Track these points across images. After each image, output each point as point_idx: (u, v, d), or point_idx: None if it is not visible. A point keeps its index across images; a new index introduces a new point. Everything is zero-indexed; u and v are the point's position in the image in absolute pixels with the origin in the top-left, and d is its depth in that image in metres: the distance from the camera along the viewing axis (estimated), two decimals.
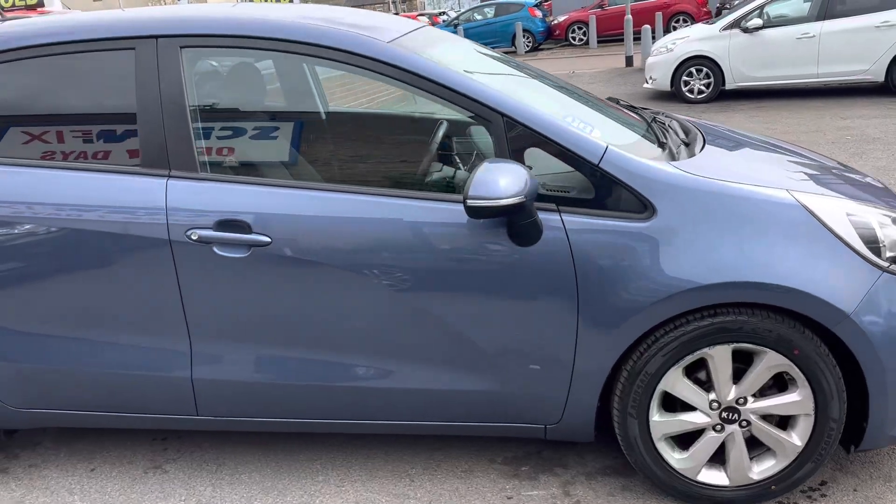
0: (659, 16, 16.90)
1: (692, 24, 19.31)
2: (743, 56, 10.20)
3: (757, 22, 10.06)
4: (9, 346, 2.40)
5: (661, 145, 2.40)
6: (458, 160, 2.53)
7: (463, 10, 23.74)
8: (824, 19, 9.91)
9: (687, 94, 10.25)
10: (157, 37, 2.31)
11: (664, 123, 2.79)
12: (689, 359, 2.16)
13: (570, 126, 2.19)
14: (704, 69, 10.22)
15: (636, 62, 14.27)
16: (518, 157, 2.16)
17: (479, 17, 22.18)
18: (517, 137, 2.17)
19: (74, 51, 2.35)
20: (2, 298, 2.36)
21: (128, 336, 2.35)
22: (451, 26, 22.02)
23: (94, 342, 2.37)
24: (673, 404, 2.26)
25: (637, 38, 15.17)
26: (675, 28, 18.99)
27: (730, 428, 2.22)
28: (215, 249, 2.22)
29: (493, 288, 2.17)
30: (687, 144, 2.49)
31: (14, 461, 2.77)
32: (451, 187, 2.38)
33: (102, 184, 2.29)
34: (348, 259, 2.19)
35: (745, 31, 10.15)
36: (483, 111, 2.19)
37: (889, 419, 2.16)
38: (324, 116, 3.01)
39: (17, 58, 2.38)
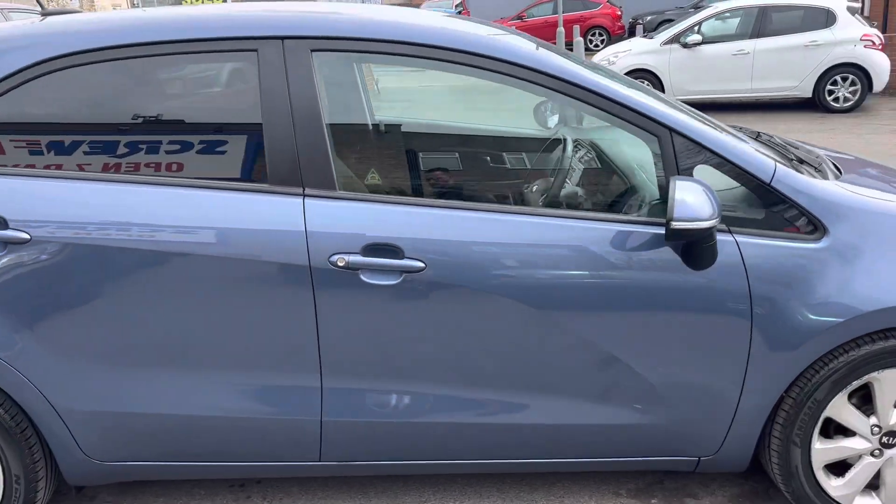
0: (576, 28, 17.30)
1: (608, 37, 19.94)
2: (682, 70, 10.58)
3: (696, 38, 10.44)
4: (99, 389, 2.06)
5: (811, 166, 2.33)
6: (582, 176, 2.40)
7: None
8: (758, 37, 10.40)
9: None
10: (283, 38, 2.04)
11: (774, 141, 2.75)
12: (855, 384, 2.11)
13: (739, 142, 2.10)
14: (646, 82, 10.49)
15: None
16: (687, 173, 2.05)
17: None
18: (686, 153, 2.05)
19: (177, 51, 2.05)
20: (92, 335, 2.02)
21: (245, 375, 2.07)
22: None
23: (203, 382, 2.07)
24: (828, 430, 2.21)
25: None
26: (591, 41, 19.54)
27: (889, 452, 2.18)
28: (362, 276, 1.98)
29: (663, 314, 2.04)
30: (838, 169, 2.43)
31: None
32: (598, 205, 2.23)
33: (219, 203, 2.00)
34: (508, 284, 2.00)
35: (685, 46, 10.53)
36: (650, 125, 2.06)
37: None
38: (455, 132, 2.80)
39: (105, 58, 2.05)
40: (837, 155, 2.74)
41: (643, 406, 2.13)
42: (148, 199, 1.99)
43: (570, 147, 2.36)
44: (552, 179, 2.37)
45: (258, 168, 2.04)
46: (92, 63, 2.02)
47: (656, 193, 2.14)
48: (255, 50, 2.04)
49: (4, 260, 1.96)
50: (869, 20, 11.16)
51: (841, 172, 2.33)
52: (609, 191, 2.30)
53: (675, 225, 1.84)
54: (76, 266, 1.97)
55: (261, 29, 2.05)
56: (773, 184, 2.06)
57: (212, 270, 1.98)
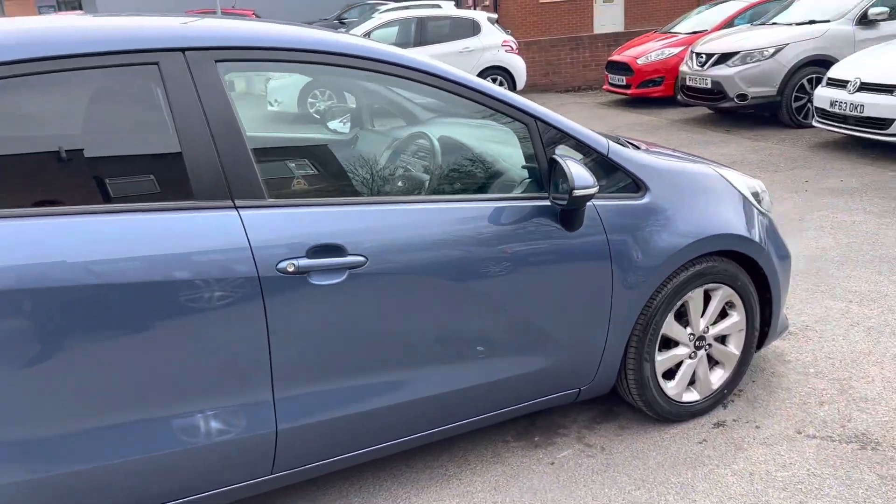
0: None
1: None
2: None
3: None
4: (40, 454, 1.79)
5: (626, 144, 2.87)
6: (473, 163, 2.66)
7: None
8: (420, 45, 11.50)
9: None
10: (184, 49, 1.98)
11: None
12: (678, 304, 2.73)
13: (582, 126, 2.56)
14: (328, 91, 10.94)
15: None
16: (551, 151, 2.45)
17: None
18: (547, 135, 2.46)
19: (81, 66, 1.86)
20: (20, 396, 1.76)
21: (194, 402, 1.97)
22: None
23: (153, 421, 1.92)
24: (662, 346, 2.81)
25: None
26: None
27: (699, 353, 2.86)
28: (311, 279, 2.03)
29: (551, 273, 2.42)
30: (636, 146, 3.00)
31: None
32: (482, 189, 2.52)
33: (146, 225, 1.88)
34: (430, 263, 2.21)
35: None
36: (520, 115, 2.42)
37: (779, 322, 3.05)
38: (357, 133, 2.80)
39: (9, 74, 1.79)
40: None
41: (538, 356, 2.50)
42: (61, 230, 1.79)
43: (435, 142, 2.61)
44: (442, 170, 2.60)
45: (179, 184, 1.95)
46: None
47: (524, 176, 2.50)
48: (156, 63, 1.94)
49: None
50: (505, 28, 13.00)
51: (639, 148, 2.94)
52: (485, 176, 2.60)
53: (577, 193, 2.23)
54: None
55: (160, 41, 1.95)
56: (609, 156, 2.57)
57: (144, 300, 1.85)
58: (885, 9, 8.44)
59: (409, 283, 2.18)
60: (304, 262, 2.01)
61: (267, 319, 1.99)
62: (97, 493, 1.90)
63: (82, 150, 1.95)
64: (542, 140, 2.44)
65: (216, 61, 2.02)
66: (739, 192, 2.91)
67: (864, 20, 8.50)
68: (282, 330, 2.01)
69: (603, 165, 2.56)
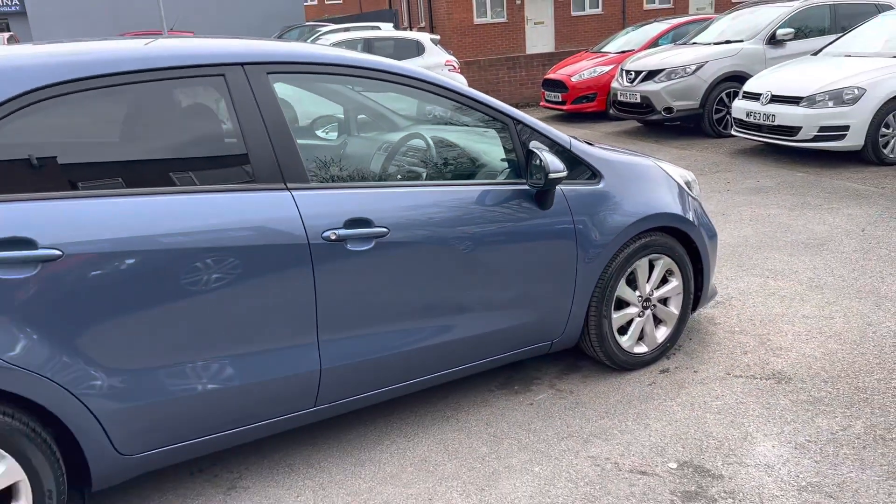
0: None
1: None
2: None
3: None
4: (131, 386, 2.24)
5: (581, 142, 3.47)
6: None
7: None
8: None
9: None
10: (243, 64, 2.48)
11: None
12: (628, 270, 3.34)
13: (548, 125, 3.15)
14: None
15: None
16: (525, 147, 3.03)
17: None
18: (523, 133, 3.04)
19: (163, 77, 2.35)
20: (121, 336, 2.21)
21: (255, 345, 2.45)
22: None
23: (226, 359, 2.40)
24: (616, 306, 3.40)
25: None
26: None
27: (646, 313, 3.47)
28: (347, 245, 2.54)
29: (529, 243, 2.99)
30: (590, 143, 3.61)
31: None
32: (474, 176, 3.07)
33: (225, 203, 2.37)
34: (437, 235, 2.75)
35: None
36: (500, 116, 3.00)
37: (709, 289, 3.70)
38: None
39: (110, 84, 2.27)
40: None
41: (521, 311, 3.06)
42: (159, 207, 2.26)
43: (429, 139, 3.15)
44: (437, 162, 3.13)
45: (243, 170, 2.44)
46: (87, 90, 2.21)
47: (505, 166, 3.07)
48: (223, 74, 2.44)
49: (34, 277, 2.06)
50: (446, 48, 13.65)
51: (593, 144, 3.55)
52: (472, 166, 3.15)
53: (552, 175, 2.81)
54: (101, 275, 2.15)
55: (225, 57, 2.45)
56: (571, 149, 3.16)
57: (226, 262, 2.34)
58: (791, 30, 9.44)
59: (419, 249, 2.71)
60: (342, 231, 2.52)
61: (314, 277, 2.49)
62: (198, 415, 2.38)
63: (176, 142, 2.43)
64: (519, 136, 3.02)
65: (267, 73, 2.53)
66: (675, 180, 3.55)
67: (774, 40, 9.49)
68: (325, 286, 2.52)
69: (566, 157, 3.15)
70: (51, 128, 2.21)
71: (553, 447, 2.90)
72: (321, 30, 18.96)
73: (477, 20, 24.13)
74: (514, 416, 3.14)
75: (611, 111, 10.93)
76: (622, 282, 3.33)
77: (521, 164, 3.00)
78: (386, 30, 18.27)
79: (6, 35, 25.90)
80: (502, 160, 3.08)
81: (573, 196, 3.10)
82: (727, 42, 9.79)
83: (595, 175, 3.22)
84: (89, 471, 2.27)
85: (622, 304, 3.40)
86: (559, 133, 3.17)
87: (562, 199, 3.06)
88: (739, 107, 8.17)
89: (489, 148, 3.14)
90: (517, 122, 3.03)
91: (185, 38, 2.57)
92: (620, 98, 10.40)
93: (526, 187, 2.98)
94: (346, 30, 17.18)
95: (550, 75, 12.72)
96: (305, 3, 26.12)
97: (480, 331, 2.96)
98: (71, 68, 2.23)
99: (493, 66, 15.01)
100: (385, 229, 2.61)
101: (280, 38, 22.64)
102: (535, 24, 24.97)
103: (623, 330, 3.44)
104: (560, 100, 12.24)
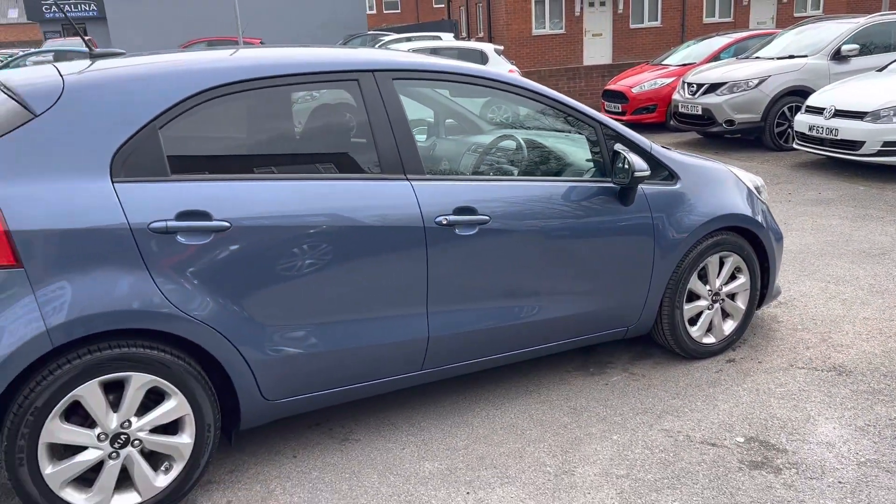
0: None
1: None
2: None
3: None
4: (278, 340, 2.64)
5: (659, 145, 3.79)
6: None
7: (16, 56, 21.31)
8: None
9: None
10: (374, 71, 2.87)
11: None
12: (700, 266, 3.62)
13: (630, 130, 3.47)
14: None
15: None
16: (610, 148, 3.35)
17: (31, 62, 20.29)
18: (609, 137, 3.36)
19: (309, 81, 2.76)
20: (274, 297, 2.61)
21: (377, 311, 2.82)
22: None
23: (353, 322, 2.78)
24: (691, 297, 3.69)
25: None
26: None
27: (715, 306, 3.74)
28: (456, 230, 2.90)
29: (611, 236, 3.30)
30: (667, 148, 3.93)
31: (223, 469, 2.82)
32: (565, 173, 3.40)
33: (360, 189, 2.75)
34: (532, 225, 3.09)
35: None
36: (589, 120, 3.33)
37: (774, 287, 3.95)
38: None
39: (266, 86, 2.68)
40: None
41: (601, 298, 3.37)
42: (307, 190, 2.66)
43: (521, 140, 3.50)
44: (529, 160, 3.48)
45: (372, 162, 2.83)
46: (248, 90, 2.63)
47: (590, 165, 3.40)
48: (357, 80, 2.83)
49: (208, 244, 2.47)
50: (509, 59, 14.02)
51: (670, 149, 3.85)
52: (559, 165, 3.48)
53: (637, 174, 3.12)
54: (260, 244, 2.55)
55: (359, 65, 2.85)
56: (651, 152, 3.47)
57: (358, 238, 2.72)
58: (857, 46, 9.55)
59: (515, 237, 3.05)
60: (452, 217, 2.88)
61: (427, 255, 2.85)
62: (327, 369, 2.76)
63: (319, 135, 2.82)
64: (605, 138, 3.35)
65: (393, 79, 2.91)
66: (745, 184, 3.83)
67: (838, 56, 9.60)
68: (435, 264, 2.88)
69: (647, 159, 3.46)
70: (219, 121, 2.63)
71: (629, 420, 3.20)
72: (383, 39, 19.51)
73: (535, 31, 24.47)
74: (591, 393, 3.45)
75: (671, 122, 11.13)
76: (694, 276, 3.62)
77: (607, 163, 3.32)
78: (447, 40, 18.74)
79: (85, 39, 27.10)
80: (587, 160, 3.41)
81: (652, 195, 3.41)
82: (791, 57, 9.92)
83: (672, 176, 3.53)
84: (239, 412, 2.67)
85: (693, 296, 3.69)
86: (641, 137, 3.49)
87: (642, 197, 3.37)
88: (802, 121, 8.33)
89: (575, 148, 3.47)
90: (604, 125, 3.35)
91: (316, 48, 2.99)
92: (681, 110, 10.61)
93: (610, 185, 3.30)
94: (409, 39, 17.67)
95: (611, 86, 12.97)
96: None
97: (564, 313, 3.28)
98: (234, 72, 2.64)
99: (553, 76, 15.32)
100: (487, 217, 2.97)
101: (344, 45, 23.27)
102: (592, 35, 25.19)
103: (693, 321, 3.72)
104: (620, 110, 12.47)
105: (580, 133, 3.41)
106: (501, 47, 13.26)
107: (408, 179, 2.86)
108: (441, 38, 18.71)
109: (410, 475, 2.84)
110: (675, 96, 10.96)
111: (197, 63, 2.63)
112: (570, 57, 24.97)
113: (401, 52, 3.10)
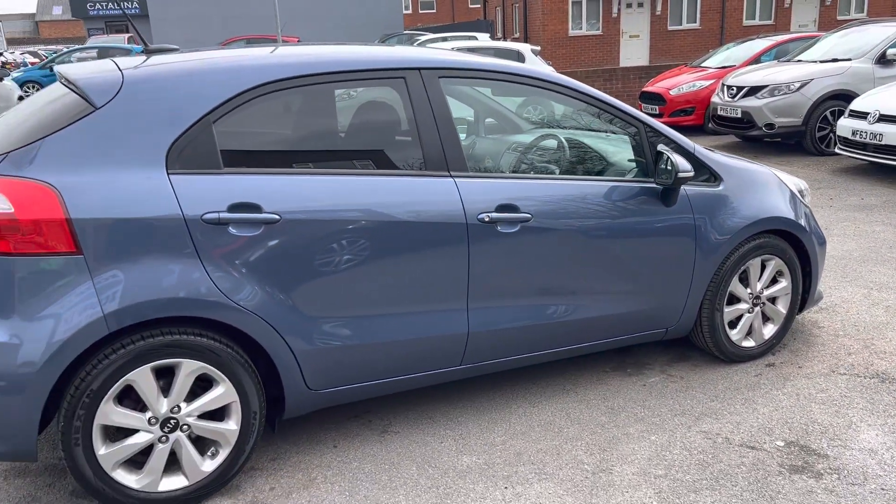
0: None
1: None
2: None
3: None
4: (323, 331, 2.69)
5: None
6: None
7: (61, 53, 21.83)
8: None
9: None
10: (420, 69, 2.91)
11: None
12: (741, 269, 3.60)
13: (673, 130, 3.47)
14: None
15: None
16: (653, 149, 3.34)
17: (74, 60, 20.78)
18: (652, 137, 3.36)
19: (358, 78, 2.81)
20: (319, 289, 2.66)
21: (423, 305, 2.86)
22: (48, 69, 20.27)
23: (395, 315, 2.82)
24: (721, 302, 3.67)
25: None
26: None
27: (756, 310, 3.72)
28: (498, 227, 2.93)
29: (652, 236, 3.30)
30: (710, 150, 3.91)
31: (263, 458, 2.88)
32: (607, 173, 3.40)
33: (404, 185, 2.79)
34: (573, 225, 3.10)
35: None
36: (632, 120, 3.33)
37: (816, 292, 3.91)
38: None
39: (314, 82, 2.74)
40: None
41: (642, 299, 3.37)
42: (353, 185, 2.70)
43: (563, 139, 3.52)
44: (570, 159, 3.49)
45: (417, 158, 2.87)
46: (297, 87, 2.69)
47: (632, 165, 3.40)
48: (403, 77, 2.87)
49: (258, 235, 2.53)
50: (545, 59, 14.00)
51: (713, 151, 3.84)
52: (601, 164, 3.49)
53: (681, 175, 3.12)
54: (307, 237, 2.60)
55: (406, 63, 2.89)
56: (695, 153, 3.46)
57: (401, 233, 2.76)
58: None
59: (556, 235, 3.06)
60: (494, 214, 2.91)
61: (469, 251, 2.88)
62: (369, 361, 2.81)
63: (366, 132, 2.88)
64: (648, 138, 3.35)
65: (439, 77, 2.95)
66: (788, 187, 3.80)
67: (883, 59, 9.42)
68: (477, 260, 2.91)
69: (690, 160, 3.45)
70: (269, 117, 2.69)
71: (667, 421, 3.20)
72: (419, 38, 19.60)
73: (572, 32, 24.38)
74: (628, 394, 3.45)
75: (709, 125, 11.02)
76: (735, 279, 3.60)
77: (649, 164, 3.32)
78: (483, 40, 18.74)
79: (126, 36, 27.74)
80: (629, 160, 3.41)
81: (695, 196, 3.40)
82: (834, 60, 9.76)
83: (715, 178, 3.51)
84: (283, 401, 2.72)
85: (734, 299, 3.67)
86: (684, 138, 3.48)
87: (684, 198, 3.37)
88: (845, 125, 8.19)
89: (616, 148, 3.48)
90: (647, 125, 3.35)
91: (363, 46, 3.04)
92: (720, 112, 10.50)
93: (652, 185, 3.29)
94: (444, 39, 17.73)
95: (648, 88, 12.88)
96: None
97: (604, 313, 3.29)
98: (285, 69, 2.70)
99: (590, 77, 15.25)
100: (529, 215, 2.99)
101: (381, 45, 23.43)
102: (630, 36, 25.01)
103: (733, 324, 3.70)
104: (657, 112, 12.37)
105: (622, 133, 3.41)
106: (538, 47, 13.24)
107: (451, 176, 2.89)
108: (477, 38, 18.73)
109: (448, 468, 2.87)
110: (715, 99, 10.85)
111: (249, 59, 2.70)
112: (606, 58, 24.83)
113: (446, 50, 3.13)
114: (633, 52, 25.14)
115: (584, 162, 3.47)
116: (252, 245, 2.53)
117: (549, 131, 3.64)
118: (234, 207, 2.50)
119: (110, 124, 2.44)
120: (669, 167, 3.16)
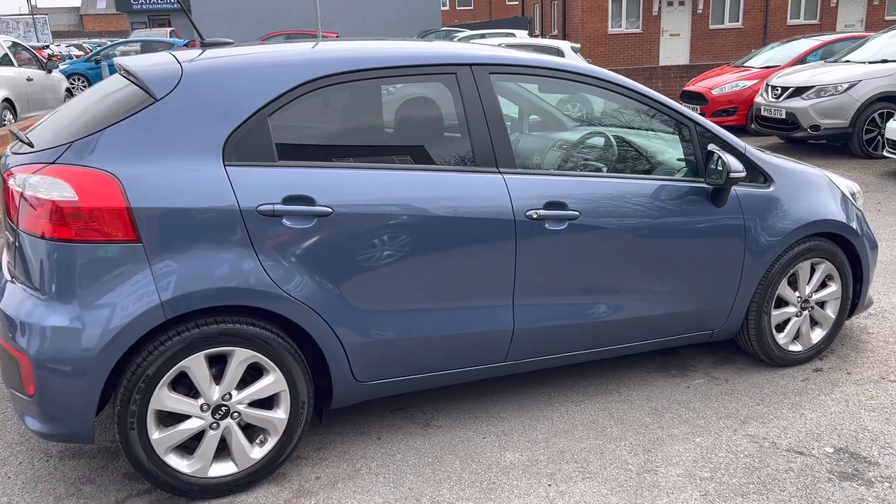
0: None
1: None
2: None
3: None
4: (371, 323, 2.71)
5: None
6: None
7: (105, 46, 22.25)
8: None
9: None
10: (471, 65, 2.92)
11: None
12: (790, 272, 3.54)
13: (724, 130, 3.42)
14: None
15: None
16: (703, 148, 3.31)
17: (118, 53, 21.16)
18: (703, 136, 3.32)
19: (410, 73, 2.82)
20: (370, 281, 2.68)
21: (465, 301, 2.86)
22: (93, 62, 20.66)
23: (442, 310, 2.83)
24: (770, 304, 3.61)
25: None
26: None
27: (804, 313, 3.66)
28: (546, 224, 2.92)
29: (701, 236, 3.26)
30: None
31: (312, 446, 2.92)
32: (655, 171, 3.37)
33: (453, 180, 2.80)
34: (622, 223, 3.08)
35: None
36: (683, 119, 3.30)
37: (866, 297, 3.84)
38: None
39: (368, 77, 2.76)
40: None
41: (688, 299, 3.34)
42: (403, 180, 2.72)
43: (612, 137, 3.50)
44: (618, 157, 3.47)
45: (466, 154, 2.87)
46: (351, 81, 2.71)
47: (681, 164, 3.36)
48: (455, 73, 2.88)
49: (311, 228, 2.56)
50: (585, 57, 13.90)
51: (764, 151, 3.78)
52: (650, 163, 3.46)
53: (733, 175, 3.08)
54: (358, 230, 2.63)
55: (458, 59, 2.90)
56: (745, 153, 3.42)
57: (449, 228, 2.76)
58: None
59: (604, 234, 3.05)
60: (542, 211, 2.90)
61: (516, 248, 2.88)
62: (415, 355, 2.82)
63: (417, 127, 2.89)
64: (699, 138, 3.31)
65: (489, 73, 2.95)
66: (840, 189, 3.73)
67: None
68: (524, 257, 2.90)
69: (740, 160, 3.40)
70: (322, 111, 2.72)
71: (712, 424, 3.17)
72: (458, 35, 19.58)
73: (611, 30, 24.16)
74: (672, 395, 3.42)
75: (752, 126, 10.85)
76: (784, 282, 3.54)
77: (700, 163, 3.28)
78: (521, 37, 18.67)
79: (168, 30, 28.16)
80: (678, 159, 3.38)
81: (745, 197, 3.36)
82: (884, 61, 9.55)
83: (766, 179, 3.46)
84: (331, 391, 2.75)
85: (781, 302, 3.61)
86: (735, 138, 3.44)
87: (734, 198, 3.32)
88: (894, 128, 8.01)
89: (664, 146, 3.44)
90: (698, 124, 3.32)
91: (413, 42, 3.06)
92: (764, 113, 10.33)
93: (702, 185, 3.26)
94: (482, 36, 17.69)
95: (690, 87, 12.71)
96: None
97: (649, 313, 3.26)
98: (338, 63, 2.72)
99: (630, 75, 15.11)
100: (577, 213, 2.97)
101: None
102: (670, 35, 24.71)
103: (780, 328, 3.65)
104: (699, 112, 12.21)
105: (671, 131, 3.38)
106: (578, 45, 13.15)
107: (500, 173, 2.89)
108: (515, 35, 18.67)
109: (492, 464, 2.88)
110: (758, 99, 10.68)
111: (303, 54, 2.73)
112: (645, 56, 24.57)
113: (495, 46, 3.13)
114: (674, 50, 24.83)
115: (632, 160, 3.45)
116: (304, 237, 2.56)
117: (596, 129, 3.62)
118: (288, 200, 2.54)
119: (169, 116, 2.48)
120: (721, 167, 3.13)
